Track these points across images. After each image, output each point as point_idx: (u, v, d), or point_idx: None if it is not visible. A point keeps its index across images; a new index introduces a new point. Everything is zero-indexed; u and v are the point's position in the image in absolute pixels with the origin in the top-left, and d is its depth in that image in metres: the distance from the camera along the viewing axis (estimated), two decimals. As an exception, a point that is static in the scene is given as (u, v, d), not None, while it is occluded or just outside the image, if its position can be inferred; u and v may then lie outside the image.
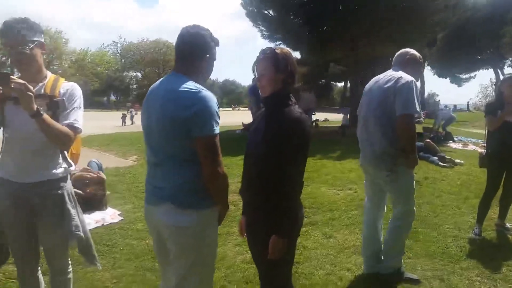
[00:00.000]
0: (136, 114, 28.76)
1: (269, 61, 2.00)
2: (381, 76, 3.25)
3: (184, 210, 1.82)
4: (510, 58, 35.03)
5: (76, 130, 2.11)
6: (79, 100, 2.20)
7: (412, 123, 2.96)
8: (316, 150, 9.59)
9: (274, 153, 1.91)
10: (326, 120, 22.95)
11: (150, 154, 1.94)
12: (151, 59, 61.48)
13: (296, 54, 19.91)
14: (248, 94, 12.79)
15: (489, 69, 42.81)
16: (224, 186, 1.88)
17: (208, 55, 1.91)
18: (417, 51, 3.35)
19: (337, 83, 53.50)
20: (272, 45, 18.14)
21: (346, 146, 10.02)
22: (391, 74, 3.15)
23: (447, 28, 18.54)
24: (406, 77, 3.01)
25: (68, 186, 2.24)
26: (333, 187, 6.35)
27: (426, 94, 52.22)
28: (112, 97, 60.95)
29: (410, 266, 3.52)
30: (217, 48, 2.00)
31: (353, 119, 18.28)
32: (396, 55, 3.32)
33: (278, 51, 2.02)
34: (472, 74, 43.80)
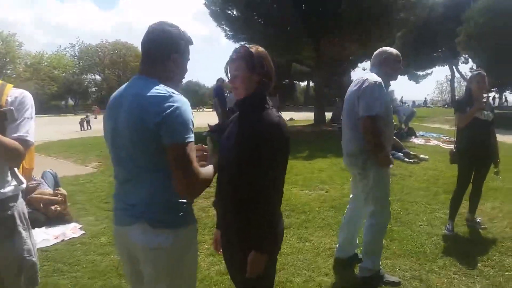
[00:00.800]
0: (96, 118, 27.77)
1: (243, 61, 1.81)
2: (356, 79, 3.27)
3: (159, 230, 1.61)
4: (464, 55, 36.66)
5: (27, 144, 1.86)
6: (31, 109, 1.94)
7: (373, 125, 2.97)
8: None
9: (249, 158, 1.73)
10: (291, 119, 23.06)
11: (119, 169, 1.72)
12: (110, 61, 59.77)
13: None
14: (212, 95, 12.53)
15: (445, 65, 44.58)
16: (202, 191, 1.66)
17: (176, 54, 1.69)
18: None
19: (300, 83, 54.14)
20: (236, 45, 18.01)
21: (314, 146, 10.03)
22: (362, 76, 3.18)
23: (406, 27, 19.01)
24: (372, 79, 3.04)
25: (20, 205, 1.98)
26: (304, 188, 6.27)
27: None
28: (70, 101, 58.51)
29: (388, 267, 3.47)
30: (190, 47, 1.80)
31: (319, 118, 18.51)
32: (373, 55, 3.30)
33: (253, 49, 1.82)
34: (429, 71, 45.26)
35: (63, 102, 57.12)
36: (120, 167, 1.70)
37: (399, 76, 3.36)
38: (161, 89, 1.57)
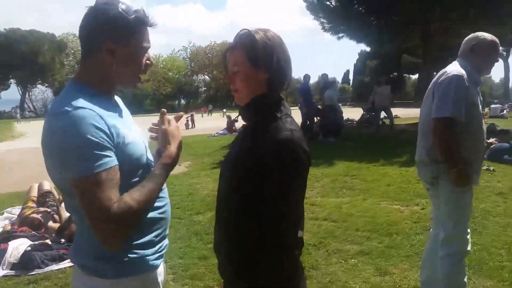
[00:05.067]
0: (202, 116, 29.56)
1: (244, 51, 1.32)
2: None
3: (94, 277, 1.26)
4: None
5: None
6: None
7: (445, 131, 2.40)
8: (379, 154, 8.52)
9: (248, 190, 1.27)
10: (396, 117, 21.08)
11: None
12: (218, 62, 62.79)
13: (363, 47, 18.69)
14: (298, 93, 11.91)
15: None
16: (124, 233, 1.15)
17: (112, 42, 1.22)
18: (499, 36, 2.64)
19: (411, 75, 50.05)
20: (334, 38, 17.12)
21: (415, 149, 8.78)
22: (445, 68, 2.57)
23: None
24: (452, 71, 2.46)
25: None
26: (396, 202, 5.32)
27: (511, 84, 46.61)
28: (182, 101, 63.22)
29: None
30: (148, 30, 1.29)
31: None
32: (462, 42, 2.60)
33: (258, 35, 1.31)
34: None
35: (176, 102, 61.95)
36: None
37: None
38: (65, 102, 1.15)
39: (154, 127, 1.47)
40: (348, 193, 5.85)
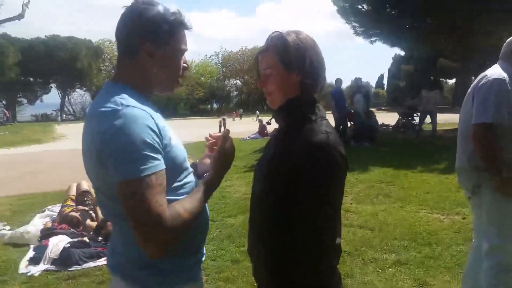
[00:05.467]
0: (234, 120, 29.88)
1: (276, 54, 1.31)
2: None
3: (130, 285, 1.21)
4: None
5: None
6: None
7: (486, 136, 2.28)
8: (416, 160, 8.25)
9: (282, 195, 1.24)
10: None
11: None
12: (249, 67, 63.14)
13: (396, 50, 18.23)
14: (330, 97, 11.74)
15: None
16: (171, 241, 1.09)
17: (150, 44, 1.18)
18: None
19: (448, 80, 48.37)
20: (367, 43, 16.81)
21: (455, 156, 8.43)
22: (485, 72, 2.44)
23: None
24: (492, 74, 2.34)
25: None
26: (436, 210, 5.11)
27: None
28: (214, 105, 63.97)
29: None
30: (186, 32, 1.26)
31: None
32: (504, 44, 2.48)
33: (290, 37, 1.30)
34: None
35: (208, 106, 62.77)
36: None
37: None
38: (113, 101, 1.09)
39: (212, 139, 1.50)
40: (384, 200, 5.68)
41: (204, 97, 58.10)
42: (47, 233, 4.40)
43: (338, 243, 1.27)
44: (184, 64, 1.29)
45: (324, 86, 1.39)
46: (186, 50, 1.27)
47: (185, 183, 1.22)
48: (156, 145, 1.07)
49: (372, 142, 11.02)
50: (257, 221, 1.38)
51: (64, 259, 3.80)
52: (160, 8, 1.18)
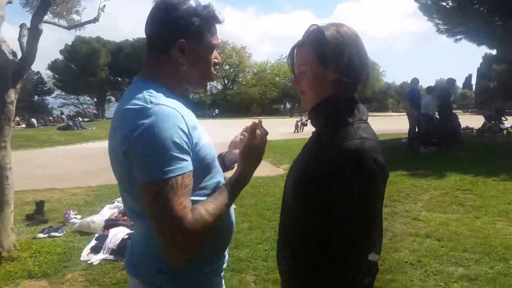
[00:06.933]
0: (307, 121, 29.48)
1: (312, 49, 1.18)
2: None
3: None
4: None
5: None
6: None
7: None
8: (500, 167, 7.54)
9: (314, 205, 1.15)
10: None
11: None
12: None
13: (484, 49, 16.68)
14: (406, 98, 11.10)
15: None
16: (194, 246, 1.05)
17: (184, 39, 1.14)
18: None
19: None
20: (451, 41, 15.64)
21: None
22: None
23: None
24: None
25: None
26: (515, 223, 4.65)
27: None
28: (288, 105, 64.06)
29: None
30: (217, 26, 1.22)
31: None
32: None
33: (328, 31, 1.16)
34: None
35: (281, 106, 63.03)
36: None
37: None
38: (142, 98, 1.06)
39: (244, 133, 1.42)
40: (458, 209, 5.28)
41: (277, 97, 58.49)
42: (109, 224, 4.62)
43: (373, 261, 1.15)
44: (215, 59, 1.25)
45: (366, 85, 1.23)
46: (218, 45, 1.23)
47: (213, 183, 1.18)
48: (185, 145, 1.03)
49: (440, 148, 10.25)
50: (284, 227, 1.33)
51: (121, 250, 3.89)
52: (192, 2, 1.15)
